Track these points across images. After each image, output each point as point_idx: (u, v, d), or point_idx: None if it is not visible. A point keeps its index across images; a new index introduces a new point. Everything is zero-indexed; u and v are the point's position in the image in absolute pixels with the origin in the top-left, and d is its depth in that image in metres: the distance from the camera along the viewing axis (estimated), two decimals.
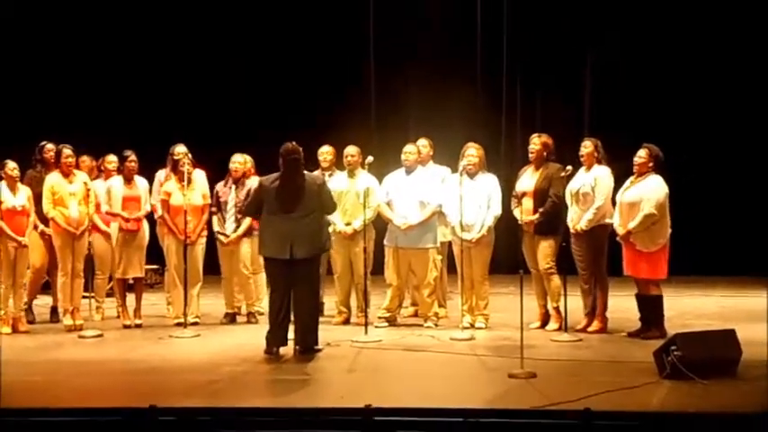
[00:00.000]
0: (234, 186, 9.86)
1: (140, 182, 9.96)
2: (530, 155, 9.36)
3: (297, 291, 8.19)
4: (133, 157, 9.85)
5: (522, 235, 9.32)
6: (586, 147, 9.12)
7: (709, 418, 6.03)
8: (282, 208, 8.22)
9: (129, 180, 9.84)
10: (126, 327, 9.68)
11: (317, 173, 9.92)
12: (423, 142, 9.94)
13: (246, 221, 9.72)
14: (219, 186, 9.93)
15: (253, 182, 9.61)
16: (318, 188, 8.36)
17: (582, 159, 9.13)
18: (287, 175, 8.28)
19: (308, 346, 8.15)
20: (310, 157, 10.24)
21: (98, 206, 9.78)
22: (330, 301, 10.12)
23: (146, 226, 9.96)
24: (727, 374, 6.99)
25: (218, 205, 9.88)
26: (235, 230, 9.79)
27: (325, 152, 10.07)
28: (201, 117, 13.83)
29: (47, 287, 10.39)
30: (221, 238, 9.85)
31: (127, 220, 9.72)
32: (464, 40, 14.36)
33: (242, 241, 9.85)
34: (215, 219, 9.88)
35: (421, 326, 9.45)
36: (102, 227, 9.86)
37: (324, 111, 13.71)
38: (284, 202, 8.22)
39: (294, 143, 8.33)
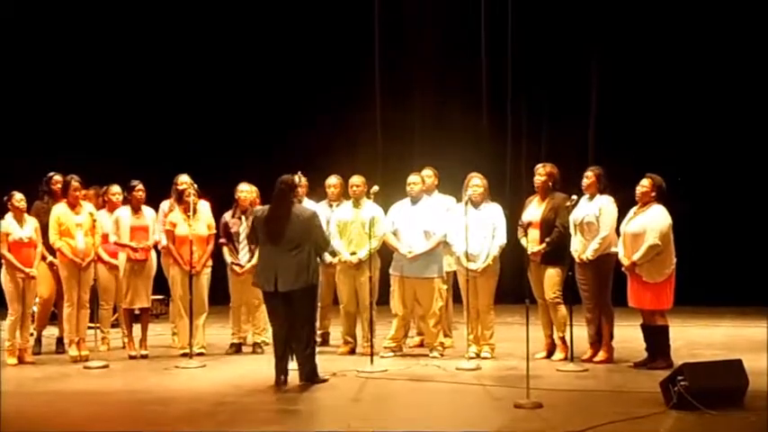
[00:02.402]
0: (243, 217, 9.87)
1: (148, 211, 9.97)
2: (535, 185, 9.38)
3: (291, 323, 8.13)
4: (140, 186, 9.85)
5: (529, 264, 9.31)
6: (589, 177, 9.13)
7: None
8: (270, 238, 8.20)
9: (136, 210, 9.84)
10: (131, 357, 9.67)
11: (323, 203, 9.95)
12: (427, 172, 9.95)
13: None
14: (228, 217, 9.92)
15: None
16: (307, 221, 8.19)
17: (584, 188, 9.14)
18: (272, 205, 8.30)
19: (307, 378, 8.10)
20: (317, 188, 10.28)
21: (105, 237, 9.80)
22: (336, 331, 10.11)
23: (154, 256, 9.97)
24: (734, 404, 6.95)
25: (227, 236, 9.87)
26: (249, 260, 9.79)
27: (333, 185, 10.09)
28: (204, 147, 13.90)
29: (53, 318, 10.38)
30: (236, 268, 9.83)
31: (135, 250, 9.73)
32: (468, 69, 14.42)
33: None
34: (225, 249, 9.87)
35: (427, 356, 9.42)
36: (107, 258, 9.88)
37: (328, 141, 13.77)
38: (270, 233, 8.19)
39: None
